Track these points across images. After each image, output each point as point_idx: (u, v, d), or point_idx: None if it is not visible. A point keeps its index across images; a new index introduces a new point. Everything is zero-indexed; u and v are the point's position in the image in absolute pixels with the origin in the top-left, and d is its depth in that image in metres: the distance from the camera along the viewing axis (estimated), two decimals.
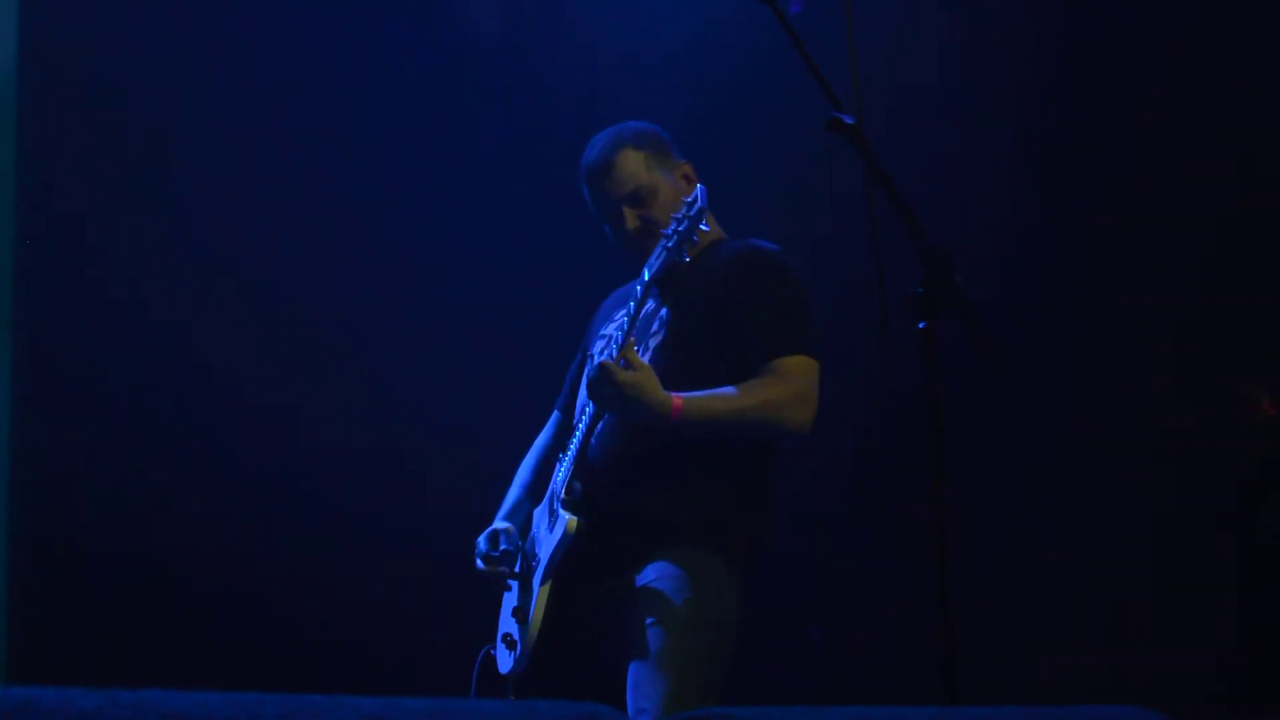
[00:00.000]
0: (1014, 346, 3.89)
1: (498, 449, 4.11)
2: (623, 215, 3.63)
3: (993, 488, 4.54)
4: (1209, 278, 4.57)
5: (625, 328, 3.40)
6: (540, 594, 3.43)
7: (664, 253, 3.34)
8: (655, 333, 3.56)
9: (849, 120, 2.88)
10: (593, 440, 3.51)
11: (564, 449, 3.59)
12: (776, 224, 3.77)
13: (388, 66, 5.30)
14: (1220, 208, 4.53)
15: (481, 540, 3.67)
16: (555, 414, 3.96)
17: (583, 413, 3.54)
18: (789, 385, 3.43)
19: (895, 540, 4.36)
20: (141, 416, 4.98)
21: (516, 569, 3.59)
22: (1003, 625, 4.45)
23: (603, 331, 3.74)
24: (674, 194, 3.58)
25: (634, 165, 3.65)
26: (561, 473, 3.53)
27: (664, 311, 3.55)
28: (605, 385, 3.32)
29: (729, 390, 3.41)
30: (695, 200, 3.29)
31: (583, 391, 3.65)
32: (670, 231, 3.32)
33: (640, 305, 3.42)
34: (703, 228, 3.30)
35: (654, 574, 3.40)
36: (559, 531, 3.40)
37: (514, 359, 5.07)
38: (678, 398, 3.33)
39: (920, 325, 2.75)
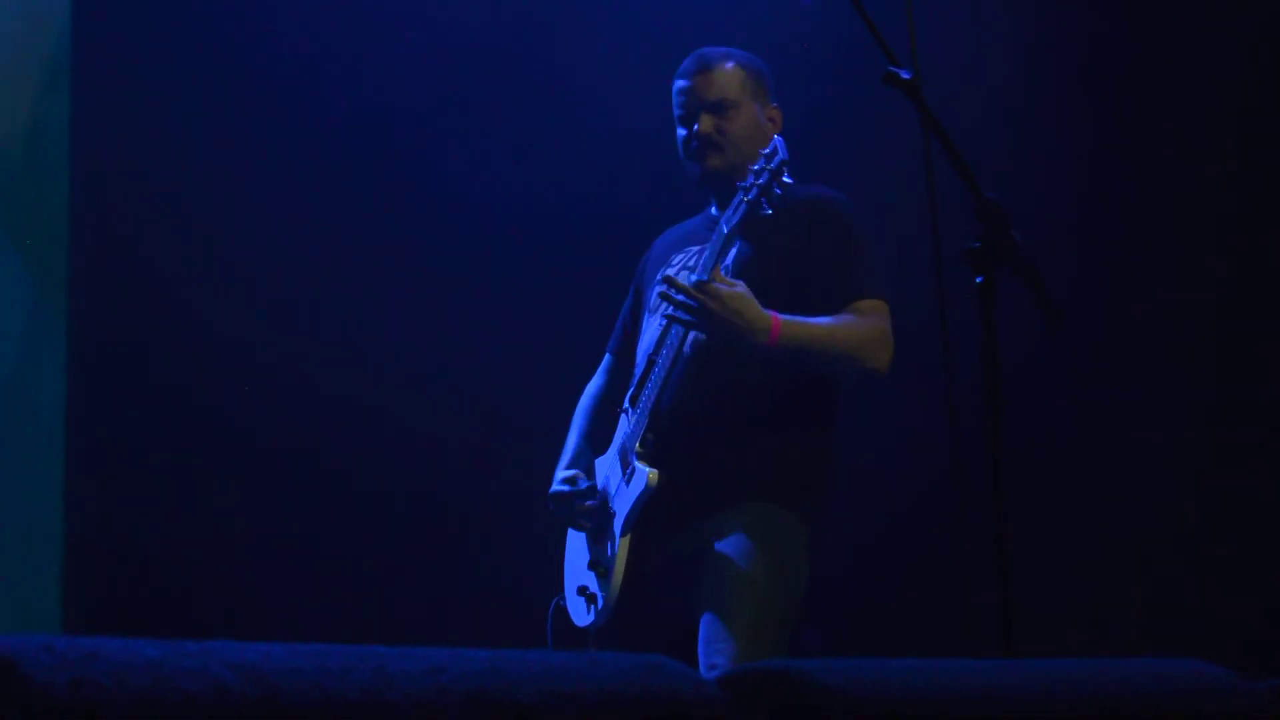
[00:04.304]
0: (1074, 303, 3.85)
1: (549, 403, 4.12)
2: (700, 119, 3.63)
3: (1050, 444, 4.50)
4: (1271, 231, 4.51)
5: (709, 265, 3.34)
6: (620, 548, 3.44)
7: (743, 205, 3.29)
8: None
9: (905, 75, 2.87)
10: (665, 392, 3.51)
11: (632, 400, 3.58)
12: (832, 178, 3.74)
13: (405, 60, 5.28)
14: None
15: (562, 484, 3.67)
16: (607, 357, 3.95)
17: (652, 363, 3.53)
18: (871, 325, 3.44)
19: (944, 510, 4.35)
20: (200, 390, 5.04)
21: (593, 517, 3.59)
22: (1061, 580, 4.42)
23: (660, 276, 3.73)
24: (754, 127, 3.60)
25: (732, 78, 3.67)
26: (632, 425, 3.52)
27: (729, 260, 3.52)
28: (712, 301, 3.26)
29: (823, 319, 3.40)
30: (775, 153, 3.25)
31: (646, 338, 3.64)
32: (749, 184, 3.28)
33: (720, 256, 3.38)
34: (786, 180, 3.26)
35: (730, 530, 3.41)
36: (639, 485, 3.40)
37: (557, 319, 5.08)
38: (777, 317, 3.30)
39: (977, 280, 2.74)
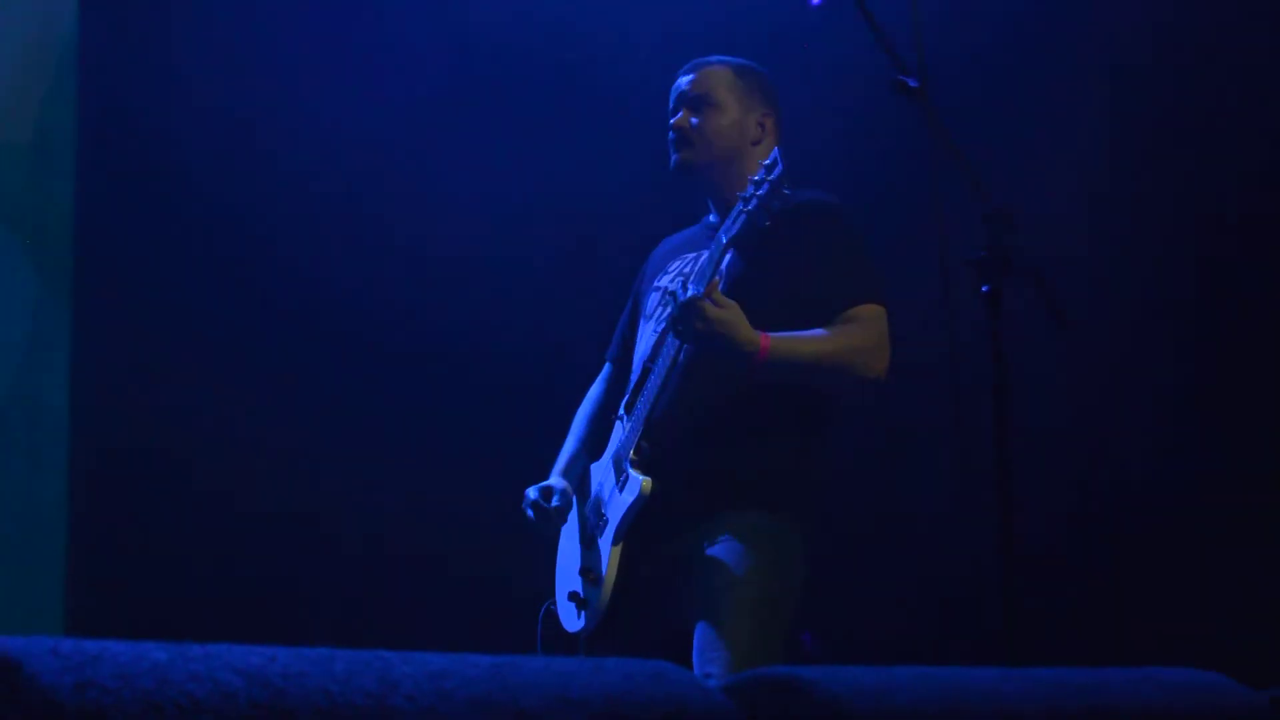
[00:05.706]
0: (1082, 309, 3.84)
1: (548, 409, 4.13)
2: (679, 111, 3.69)
3: (1056, 451, 4.50)
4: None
5: (706, 276, 3.35)
6: (612, 555, 3.43)
7: (743, 215, 3.29)
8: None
9: (913, 83, 2.87)
10: (660, 400, 3.50)
11: (627, 407, 3.58)
12: (838, 185, 3.75)
13: (411, 66, 5.29)
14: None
15: (533, 490, 3.68)
16: (607, 366, 3.95)
17: (647, 371, 3.53)
18: (867, 332, 3.42)
19: (950, 517, 4.35)
20: (205, 393, 5.05)
21: (577, 528, 3.60)
22: (1065, 587, 4.42)
23: (658, 284, 3.73)
24: (735, 129, 3.60)
25: (717, 78, 3.70)
26: (626, 432, 3.52)
27: (724, 266, 3.50)
28: (696, 319, 3.27)
29: (815, 332, 3.39)
30: (775, 164, 3.24)
31: (642, 345, 3.64)
32: (749, 194, 3.29)
33: (716, 266, 3.38)
34: (785, 192, 3.26)
35: (721, 537, 3.39)
36: (632, 493, 3.39)
37: (550, 331, 5.09)
38: (766, 336, 3.30)
39: (984, 289, 2.74)
